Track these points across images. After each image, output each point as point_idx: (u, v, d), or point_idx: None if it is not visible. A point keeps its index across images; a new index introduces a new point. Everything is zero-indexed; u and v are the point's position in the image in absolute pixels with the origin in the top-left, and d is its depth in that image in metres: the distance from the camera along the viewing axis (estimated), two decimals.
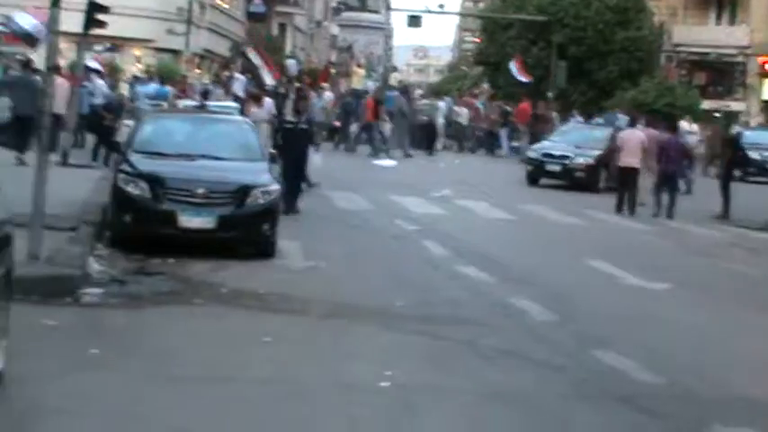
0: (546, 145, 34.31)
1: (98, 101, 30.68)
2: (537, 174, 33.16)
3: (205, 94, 31.06)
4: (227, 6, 72.51)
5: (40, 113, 13.95)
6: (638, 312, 14.26)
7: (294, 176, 21.52)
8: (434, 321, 12.59)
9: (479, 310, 13.51)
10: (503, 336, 12.03)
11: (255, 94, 30.36)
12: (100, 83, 32.84)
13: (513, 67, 53.66)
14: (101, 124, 26.70)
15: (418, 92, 53.99)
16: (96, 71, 36.45)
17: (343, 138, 41.77)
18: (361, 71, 49.61)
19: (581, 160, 32.40)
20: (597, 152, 32.25)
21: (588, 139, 33.75)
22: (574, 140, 33.61)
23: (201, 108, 25.90)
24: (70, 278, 12.59)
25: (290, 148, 21.65)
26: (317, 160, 25.15)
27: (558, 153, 32.88)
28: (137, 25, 55.65)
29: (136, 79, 42.69)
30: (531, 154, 34.28)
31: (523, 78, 53.14)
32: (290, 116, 23.55)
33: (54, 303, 11.86)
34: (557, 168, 32.73)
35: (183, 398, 8.87)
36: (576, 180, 32.22)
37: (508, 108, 47.96)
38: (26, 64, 28.23)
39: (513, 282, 15.64)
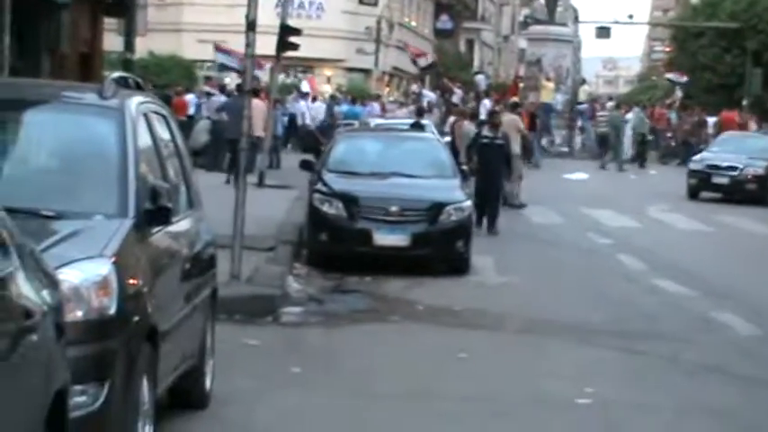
0: (708, 156, 32.23)
1: (309, 122, 31.57)
2: (700, 187, 31.15)
3: (420, 112, 30.87)
4: (414, 24, 73.09)
5: (240, 136, 14.25)
6: None
7: (490, 195, 20.71)
8: (632, 336, 12.41)
9: (679, 324, 13.27)
10: (705, 351, 11.78)
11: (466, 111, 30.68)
12: (314, 105, 33.66)
13: (672, 76, 53.17)
14: (317, 148, 26.79)
15: (610, 104, 53.18)
16: (306, 94, 37.45)
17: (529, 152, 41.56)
18: (551, 85, 49.18)
19: (751, 170, 30.74)
20: (766, 162, 30.85)
21: (752, 148, 32.02)
22: (736, 150, 31.77)
23: (417, 127, 25.02)
24: (270, 298, 12.82)
25: (485, 165, 20.89)
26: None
27: (724, 164, 30.87)
28: (327, 46, 56.57)
29: (333, 99, 43.41)
30: (694, 166, 31.89)
31: (682, 78, 52.41)
32: (486, 131, 22.07)
33: (255, 323, 12.09)
34: (724, 181, 30.71)
35: (388, 415, 8.94)
36: (746, 193, 30.29)
37: (707, 117, 46.88)
38: (239, 88, 29.02)
39: (714, 296, 15.30)
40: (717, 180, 30.77)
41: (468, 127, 26.14)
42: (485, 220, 20.48)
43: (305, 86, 45.53)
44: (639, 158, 43.14)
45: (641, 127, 44.01)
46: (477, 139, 22.08)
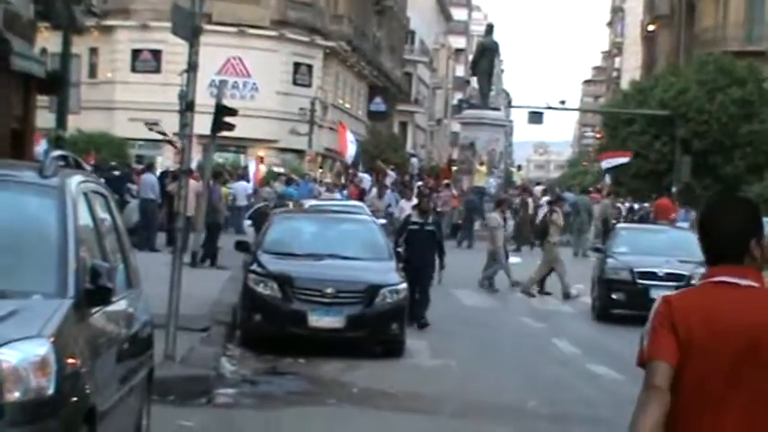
0: (626, 260, 23.23)
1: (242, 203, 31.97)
2: (623, 305, 22.55)
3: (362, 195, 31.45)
4: (348, 106, 73.56)
5: (174, 215, 14.21)
6: None
7: (418, 284, 19.30)
8: (569, 421, 12.45)
9: (614, 409, 13.30)
10: None
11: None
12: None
13: (609, 162, 53.65)
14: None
15: (538, 188, 53.71)
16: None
17: (466, 235, 41.80)
18: (483, 169, 49.60)
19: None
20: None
21: (670, 244, 23.76)
22: (652, 250, 23.41)
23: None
24: (205, 379, 12.75)
25: (414, 252, 19.73)
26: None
27: (663, 271, 22.28)
28: (261, 126, 56.78)
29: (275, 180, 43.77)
30: (611, 274, 22.93)
31: (623, 159, 52.94)
32: (414, 216, 20.77)
33: (189, 404, 12.01)
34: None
35: None
36: None
37: (633, 205, 47.43)
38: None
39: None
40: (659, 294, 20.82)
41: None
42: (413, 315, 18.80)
43: (251, 166, 45.58)
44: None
45: (606, 213, 44.32)
46: (405, 225, 20.77)
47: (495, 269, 26.56)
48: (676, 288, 17.20)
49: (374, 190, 41.51)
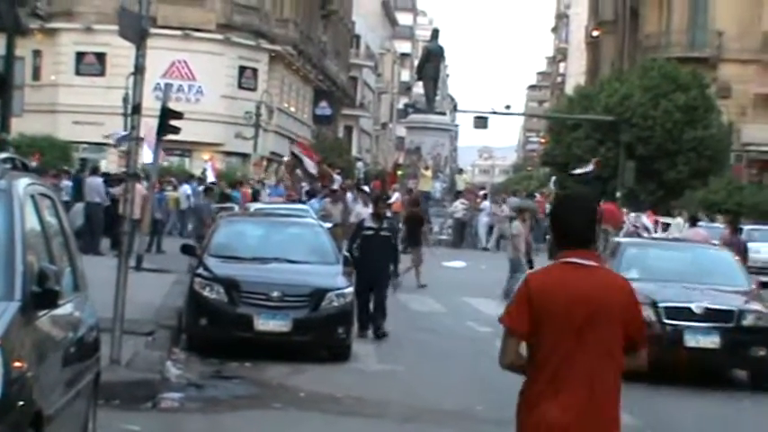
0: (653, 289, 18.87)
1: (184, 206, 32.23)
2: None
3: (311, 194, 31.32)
4: (293, 110, 73.53)
5: (119, 219, 14.16)
6: None
7: (374, 292, 18.91)
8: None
9: None
10: None
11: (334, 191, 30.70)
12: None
13: (579, 170, 53.85)
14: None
15: (482, 192, 53.94)
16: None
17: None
18: (429, 173, 49.75)
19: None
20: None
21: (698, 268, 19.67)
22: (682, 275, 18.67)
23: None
24: (150, 383, 12.72)
25: (368, 258, 18.93)
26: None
27: (701, 308, 17.30)
28: (206, 130, 56.63)
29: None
30: None
31: (589, 167, 53.23)
32: (369, 221, 19.83)
33: (135, 408, 11.98)
34: (713, 342, 16.73)
35: None
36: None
37: None
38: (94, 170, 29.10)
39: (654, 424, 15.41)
40: (697, 341, 16.02)
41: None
42: (370, 323, 18.94)
43: (210, 175, 45.24)
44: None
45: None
46: (359, 230, 19.78)
47: (517, 279, 26.37)
48: (719, 332, 15.82)
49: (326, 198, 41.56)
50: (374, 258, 18.91)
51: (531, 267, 26.69)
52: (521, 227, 26.93)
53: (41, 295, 6.83)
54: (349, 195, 35.27)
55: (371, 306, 18.91)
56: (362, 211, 26.64)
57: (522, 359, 5.94)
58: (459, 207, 45.72)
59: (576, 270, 5.85)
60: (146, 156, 37.70)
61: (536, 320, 5.80)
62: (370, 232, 19.26)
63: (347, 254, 18.82)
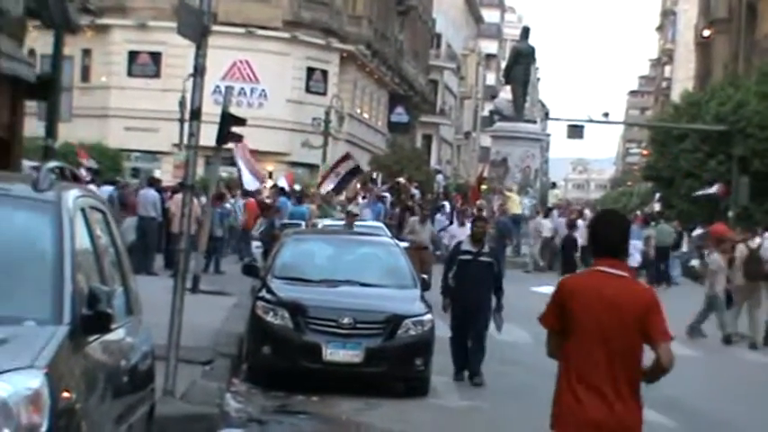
0: None
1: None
2: None
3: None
4: (366, 116, 73.70)
5: (173, 235, 14.27)
6: None
7: (472, 329, 18.02)
8: None
9: None
10: None
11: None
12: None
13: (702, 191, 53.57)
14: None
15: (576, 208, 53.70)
16: (282, 190, 37.90)
17: None
18: (514, 196, 49.10)
19: None
20: None
21: None
22: None
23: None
24: (208, 417, 12.78)
25: (465, 288, 18.04)
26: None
27: None
28: (270, 138, 56.89)
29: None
30: None
31: (713, 189, 52.93)
32: (466, 244, 18.59)
33: None
34: None
35: None
36: None
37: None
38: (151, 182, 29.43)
39: (700, 429, 15.35)
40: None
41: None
42: (465, 367, 18.09)
43: (282, 182, 44.89)
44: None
45: (667, 239, 44.27)
46: (455, 255, 18.69)
47: (706, 316, 26.22)
48: None
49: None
50: (472, 288, 17.93)
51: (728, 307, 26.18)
52: (720, 260, 26.44)
53: (92, 319, 6.90)
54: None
55: (469, 345, 18.07)
56: (458, 232, 25.69)
57: (559, 353, 7.49)
58: (545, 225, 45.40)
59: (606, 278, 7.35)
60: (246, 180, 37.72)
61: (566, 320, 7.36)
62: (468, 257, 18.16)
63: (443, 283, 18.35)
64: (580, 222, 44.24)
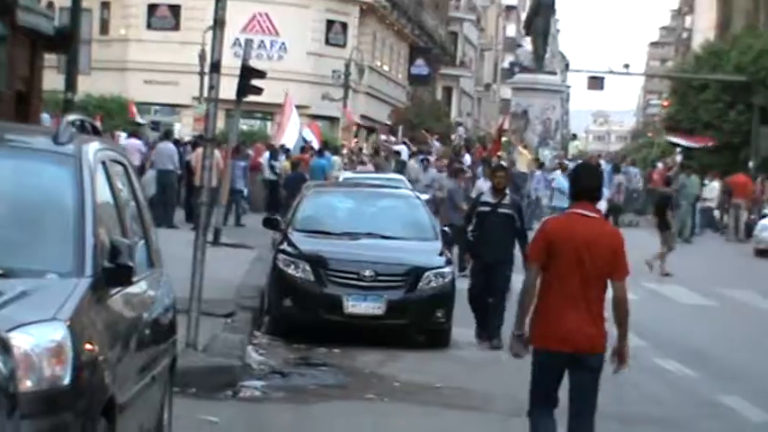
0: None
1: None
2: None
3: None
4: (387, 69, 73.50)
5: (195, 188, 14.26)
6: None
7: (491, 285, 16.94)
8: (635, 421, 12.47)
9: (684, 409, 13.32)
10: None
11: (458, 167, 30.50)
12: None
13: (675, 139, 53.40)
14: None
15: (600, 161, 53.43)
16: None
17: None
18: (526, 152, 48.24)
19: None
20: None
21: None
22: None
23: None
24: (229, 370, 12.81)
25: (485, 242, 17.02)
26: None
27: None
28: (290, 90, 56.69)
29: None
30: None
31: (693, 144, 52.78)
32: (487, 195, 17.75)
33: (213, 397, 12.08)
34: None
35: None
36: None
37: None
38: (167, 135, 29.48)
39: (722, 378, 15.37)
40: None
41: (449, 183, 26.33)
42: (483, 328, 17.08)
43: (308, 135, 43.98)
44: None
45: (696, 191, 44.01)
46: (474, 206, 17.83)
47: None
48: None
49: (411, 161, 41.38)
50: (492, 243, 16.77)
51: None
52: None
53: (114, 271, 6.90)
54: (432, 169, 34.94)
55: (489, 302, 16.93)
56: (483, 185, 24.93)
57: (535, 287, 8.95)
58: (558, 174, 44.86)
59: (581, 218, 8.90)
60: (288, 136, 37.35)
61: (549, 253, 8.84)
62: (487, 208, 17.15)
63: (463, 237, 17.75)
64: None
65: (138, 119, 40.96)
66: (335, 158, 38.24)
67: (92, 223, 6.95)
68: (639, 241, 38.54)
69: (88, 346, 6.34)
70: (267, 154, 38.13)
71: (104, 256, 6.89)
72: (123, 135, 37.05)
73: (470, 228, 17.36)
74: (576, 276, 8.77)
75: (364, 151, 48.49)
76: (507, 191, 17.78)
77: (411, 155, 45.49)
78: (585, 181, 9.05)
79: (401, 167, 40.65)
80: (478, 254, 17.13)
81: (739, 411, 13.34)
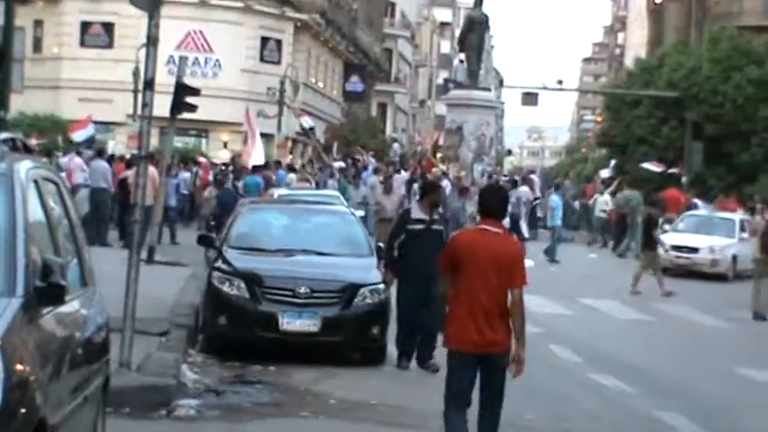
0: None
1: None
2: None
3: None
4: (321, 86, 73.53)
5: (129, 206, 14.17)
6: None
7: (422, 306, 15.76)
8: None
9: (622, 425, 13.39)
10: None
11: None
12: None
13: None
14: None
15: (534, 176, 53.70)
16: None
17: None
18: (441, 166, 48.21)
19: None
20: None
21: None
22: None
23: None
24: (164, 389, 12.71)
25: (415, 260, 15.86)
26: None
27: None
28: (224, 108, 56.67)
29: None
30: None
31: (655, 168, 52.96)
32: (416, 211, 16.52)
33: (147, 417, 11.99)
34: None
35: None
36: None
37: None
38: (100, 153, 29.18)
39: (659, 394, 15.46)
40: None
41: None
42: (409, 351, 16.26)
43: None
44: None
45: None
46: (402, 223, 16.52)
47: None
48: None
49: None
50: (423, 261, 15.36)
51: None
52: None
53: (46, 291, 6.83)
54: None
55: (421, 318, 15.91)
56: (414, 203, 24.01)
57: (449, 294, 10.11)
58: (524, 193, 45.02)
59: (486, 234, 9.93)
60: (254, 154, 37.29)
61: (455, 265, 9.92)
62: (420, 226, 16.10)
63: (388, 254, 16.54)
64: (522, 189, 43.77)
65: (75, 137, 40.43)
66: (291, 176, 38.31)
67: (23, 242, 6.88)
68: (577, 258, 38.90)
69: (19, 367, 6.27)
70: (231, 174, 38.04)
71: (36, 276, 6.82)
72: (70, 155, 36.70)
73: (396, 243, 16.27)
74: (481, 286, 9.74)
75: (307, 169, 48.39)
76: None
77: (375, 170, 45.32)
78: (491, 201, 10.20)
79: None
80: (409, 274, 16.03)
81: (678, 428, 13.41)
